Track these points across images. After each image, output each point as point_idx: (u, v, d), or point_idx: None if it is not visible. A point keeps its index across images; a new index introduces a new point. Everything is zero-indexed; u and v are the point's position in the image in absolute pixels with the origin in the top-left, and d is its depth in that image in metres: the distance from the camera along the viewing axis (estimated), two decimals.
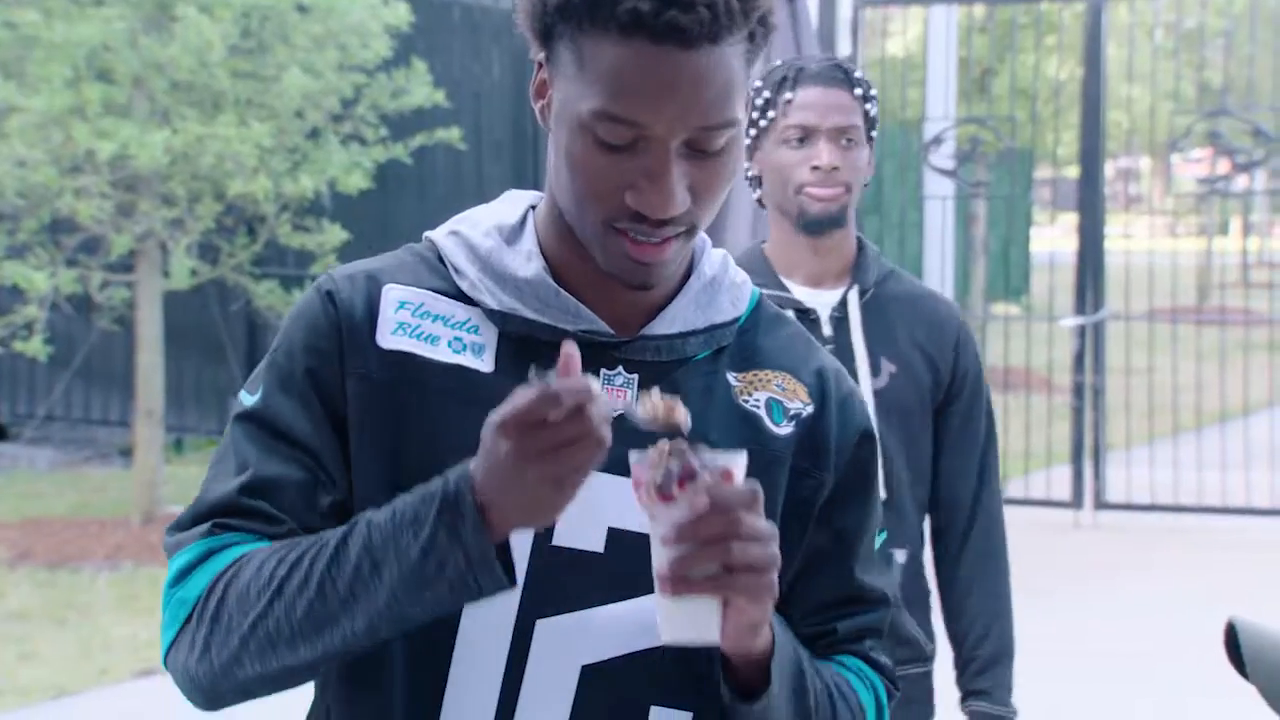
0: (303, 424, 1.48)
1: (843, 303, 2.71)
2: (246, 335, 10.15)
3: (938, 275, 9.90)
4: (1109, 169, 13.18)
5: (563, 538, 1.47)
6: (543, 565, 1.47)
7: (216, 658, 1.44)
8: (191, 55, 7.73)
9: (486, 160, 9.91)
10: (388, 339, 1.49)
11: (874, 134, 2.73)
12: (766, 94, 2.70)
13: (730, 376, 1.56)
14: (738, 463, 1.38)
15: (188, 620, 1.46)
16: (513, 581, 1.39)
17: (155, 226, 8.15)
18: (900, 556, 2.70)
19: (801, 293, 2.70)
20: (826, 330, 2.68)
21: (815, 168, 2.64)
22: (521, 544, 1.46)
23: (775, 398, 1.56)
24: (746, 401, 1.55)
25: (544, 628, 1.48)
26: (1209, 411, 10.63)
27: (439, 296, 1.52)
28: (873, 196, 10.69)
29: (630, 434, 1.39)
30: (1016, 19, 11.86)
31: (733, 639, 1.40)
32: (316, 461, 1.48)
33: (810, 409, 1.57)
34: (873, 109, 2.71)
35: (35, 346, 7.95)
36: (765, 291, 2.61)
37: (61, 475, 10.06)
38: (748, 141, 2.71)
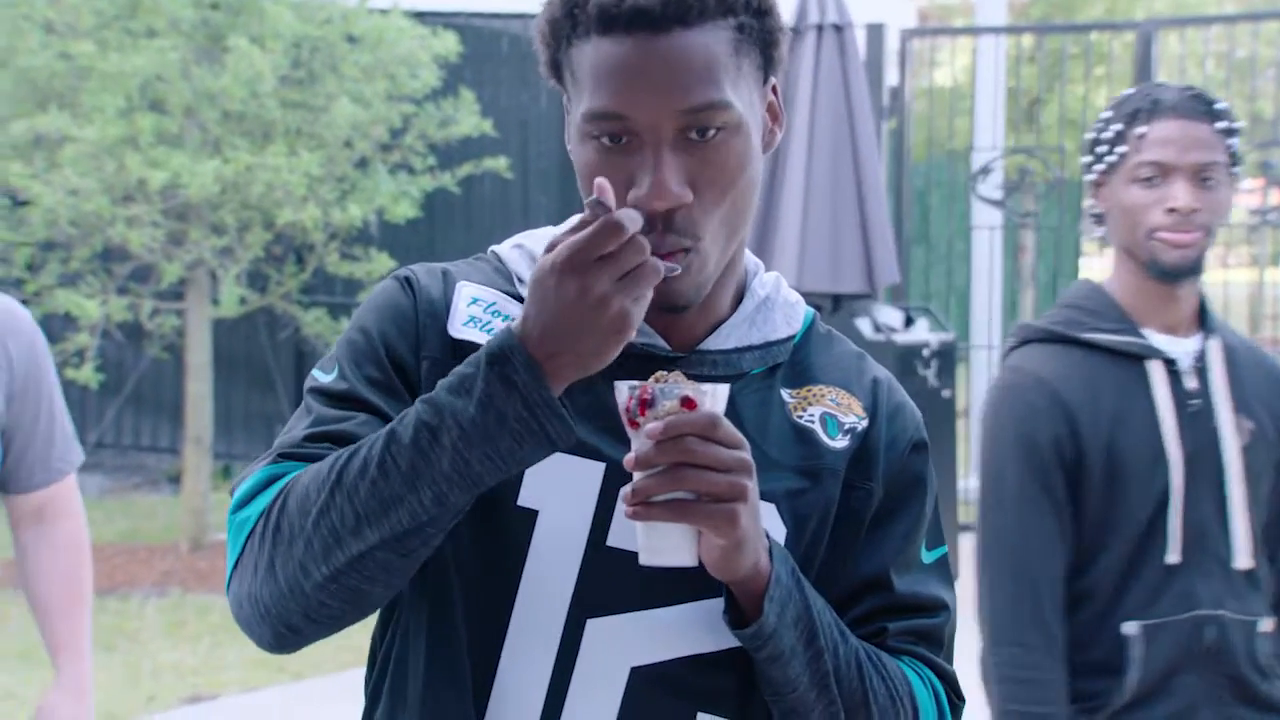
0: (374, 394, 1.50)
1: (1202, 353, 2.53)
2: (294, 363, 10.20)
3: (985, 306, 9.85)
4: None
5: (616, 538, 1.48)
6: (595, 565, 1.48)
7: (282, 571, 1.42)
8: (242, 86, 7.79)
9: (533, 189, 9.94)
10: (459, 329, 1.53)
11: (1236, 171, 2.52)
12: (1117, 126, 2.53)
13: (784, 393, 1.57)
14: (705, 393, 1.37)
15: (248, 541, 1.46)
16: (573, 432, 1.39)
17: (205, 255, 8.21)
18: (1266, 625, 2.51)
19: (1159, 340, 2.52)
20: (1191, 383, 2.50)
21: (1171, 210, 2.45)
22: (576, 542, 1.48)
23: (830, 412, 1.58)
24: (801, 417, 1.56)
25: (594, 627, 1.48)
26: None
27: (510, 299, 1.56)
28: (919, 226, 10.67)
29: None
30: (1066, 49, 11.82)
31: (711, 564, 1.40)
32: (386, 422, 1.46)
33: (865, 422, 1.58)
34: (1235, 143, 2.51)
35: (86, 374, 8.01)
36: (1119, 338, 2.49)
37: (111, 502, 10.13)
38: (1092, 177, 2.58)
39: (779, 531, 1.51)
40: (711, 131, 1.43)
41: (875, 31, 8.96)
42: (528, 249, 1.59)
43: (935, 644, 1.61)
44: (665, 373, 1.39)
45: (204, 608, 7.37)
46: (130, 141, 7.80)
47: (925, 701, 1.56)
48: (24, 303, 8.48)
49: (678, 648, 1.48)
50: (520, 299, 1.54)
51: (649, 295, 1.35)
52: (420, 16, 8.85)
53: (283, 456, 1.48)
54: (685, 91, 1.42)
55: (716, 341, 1.55)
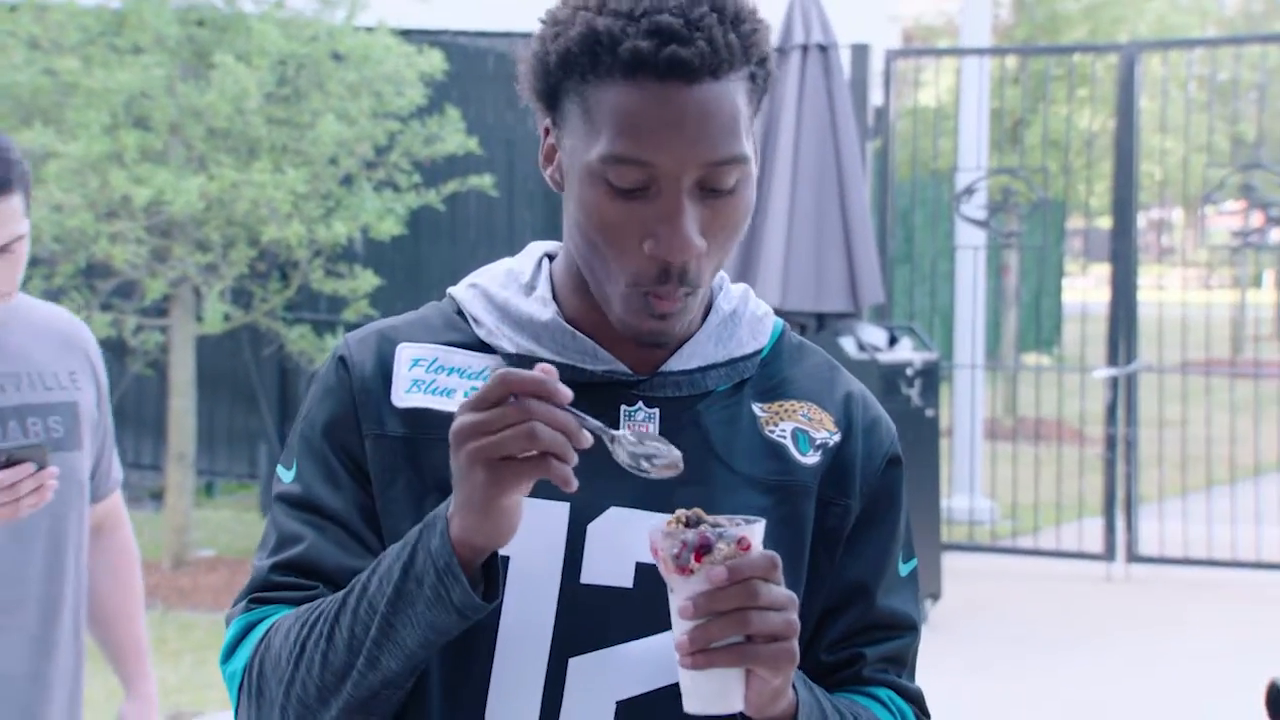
0: (329, 492, 1.52)
1: None
2: (278, 380, 10.18)
3: (968, 325, 9.87)
4: (1141, 220, 13.16)
5: (591, 575, 1.48)
6: (572, 603, 1.48)
7: None
8: (228, 103, 7.79)
9: (518, 207, 9.94)
10: (402, 397, 1.52)
11: None
12: None
13: (756, 407, 1.56)
14: (754, 531, 1.36)
15: (240, 697, 1.51)
16: (489, 598, 1.39)
17: (189, 271, 8.19)
18: None
19: None
20: None
21: None
22: (550, 584, 1.47)
23: (801, 428, 1.57)
24: (773, 432, 1.55)
25: (577, 665, 1.48)
26: (1243, 465, 10.56)
27: (453, 349, 1.55)
28: (903, 246, 10.69)
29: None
30: (1049, 70, 11.87)
31: (756, 707, 1.38)
32: (345, 527, 1.51)
33: (837, 437, 1.57)
34: None
35: None
36: None
37: None
38: None
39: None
40: (729, 185, 1.43)
41: (860, 52, 8.98)
42: (481, 287, 1.57)
43: (902, 665, 1.61)
44: (684, 511, 1.36)
45: (186, 625, 7.34)
46: (115, 158, 7.79)
47: None
48: None
49: (661, 678, 1.47)
50: (475, 344, 1.54)
51: (530, 462, 1.32)
52: (406, 34, 8.85)
53: (254, 601, 1.52)
54: (713, 145, 1.41)
55: (680, 362, 1.54)
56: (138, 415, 10.48)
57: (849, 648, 1.58)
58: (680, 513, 1.36)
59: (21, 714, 2.69)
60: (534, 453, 1.32)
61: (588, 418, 1.37)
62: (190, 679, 6.51)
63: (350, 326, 8.86)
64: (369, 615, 1.41)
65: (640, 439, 1.41)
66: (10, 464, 2.45)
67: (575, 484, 1.33)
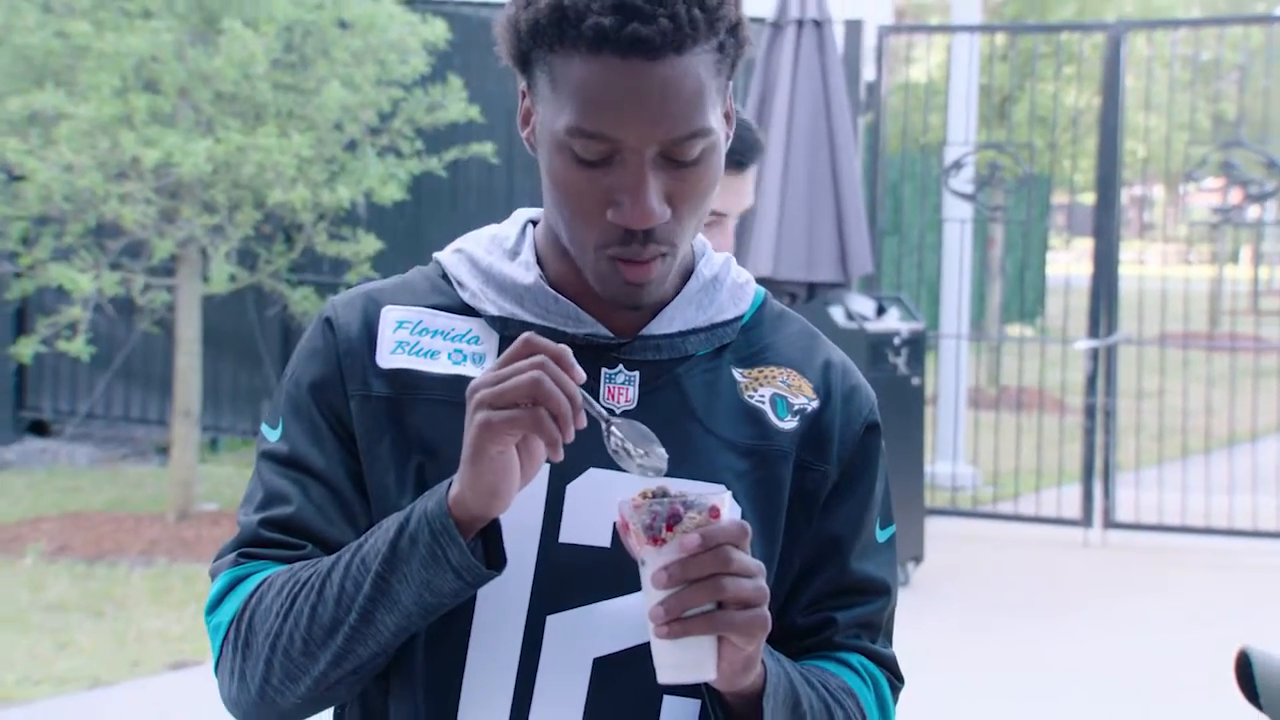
0: (315, 451, 1.51)
1: None
2: (281, 340, 10.17)
3: (954, 296, 9.87)
4: (1124, 196, 13.15)
5: (569, 534, 1.47)
6: (551, 562, 1.47)
7: (252, 683, 1.47)
8: (235, 68, 7.76)
9: (517, 174, 9.91)
10: (387, 358, 1.51)
11: None
12: None
13: (736, 373, 1.55)
14: (724, 500, 1.35)
15: (223, 649, 1.49)
16: (493, 563, 1.39)
17: (196, 233, 8.17)
18: None
19: None
20: None
21: None
22: (529, 542, 1.46)
23: (780, 393, 1.55)
24: (752, 397, 1.54)
25: (555, 622, 1.47)
26: (1218, 436, 10.58)
27: (438, 312, 1.54)
28: (892, 218, 10.67)
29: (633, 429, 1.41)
30: (1037, 48, 11.84)
31: (727, 677, 1.37)
32: (330, 485, 1.51)
33: (815, 403, 1.56)
34: None
35: (78, 347, 7.98)
36: None
37: (100, 471, 10.09)
38: None
39: (735, 510, 1.49)
40: (693, 156, 1.42)
41: (853, 28, 8.95)
42: (466, 252, 1.57)
43: (876, 630, 1.59)
44: (649, 487, 1.35)
45: (189, 576, 7.35)
46: (125, 120, 7.76)
47: (869, 703, 1.56)
48: (17, 276, 8.47)
49: (636, 636, 1.45)
50: (459, 308, 1.54)
51: (522, 414, 1.33)
52: (410, 3, 8.81)
53: (243, 555, 1.51)
54: (675, 121, 1.40)
55: (660, 326, 1.53)
56: (145, 372, 10.47)
57: (822, 610, 1.56)
58: (646, 488, 1.35)
59: None
60: (534, 406, 1.32)
61: (594, 401, 1.38)
62: (193, 628, 6.52)
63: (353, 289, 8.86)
64: (361, 572, 1.41)
65: (634, 435, 1.40)
66: None
67: (561, 454, 1.33)
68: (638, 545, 1.35)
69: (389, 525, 1.41)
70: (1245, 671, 1.33)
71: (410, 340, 1.52)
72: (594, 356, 1.49)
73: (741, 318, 1.57)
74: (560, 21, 1.39)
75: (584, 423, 1.34)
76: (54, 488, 9.46)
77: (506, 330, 1.51)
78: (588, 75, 1.39)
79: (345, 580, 1.42)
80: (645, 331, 1.52)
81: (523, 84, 1.49)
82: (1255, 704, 1.33)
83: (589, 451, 1.45)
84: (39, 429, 10.99)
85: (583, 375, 1.35)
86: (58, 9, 8.07)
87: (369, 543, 1.42)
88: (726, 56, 1.44)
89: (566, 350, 1.34)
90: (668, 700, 1.49)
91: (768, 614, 1.35)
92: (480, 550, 1.39)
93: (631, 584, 1.43)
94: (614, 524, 1.43)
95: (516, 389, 1.32)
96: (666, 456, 1.40)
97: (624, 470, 1.42)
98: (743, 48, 1.46)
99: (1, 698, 5.79)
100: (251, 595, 1.48)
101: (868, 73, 9.46)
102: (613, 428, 1.40)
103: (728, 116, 1.50)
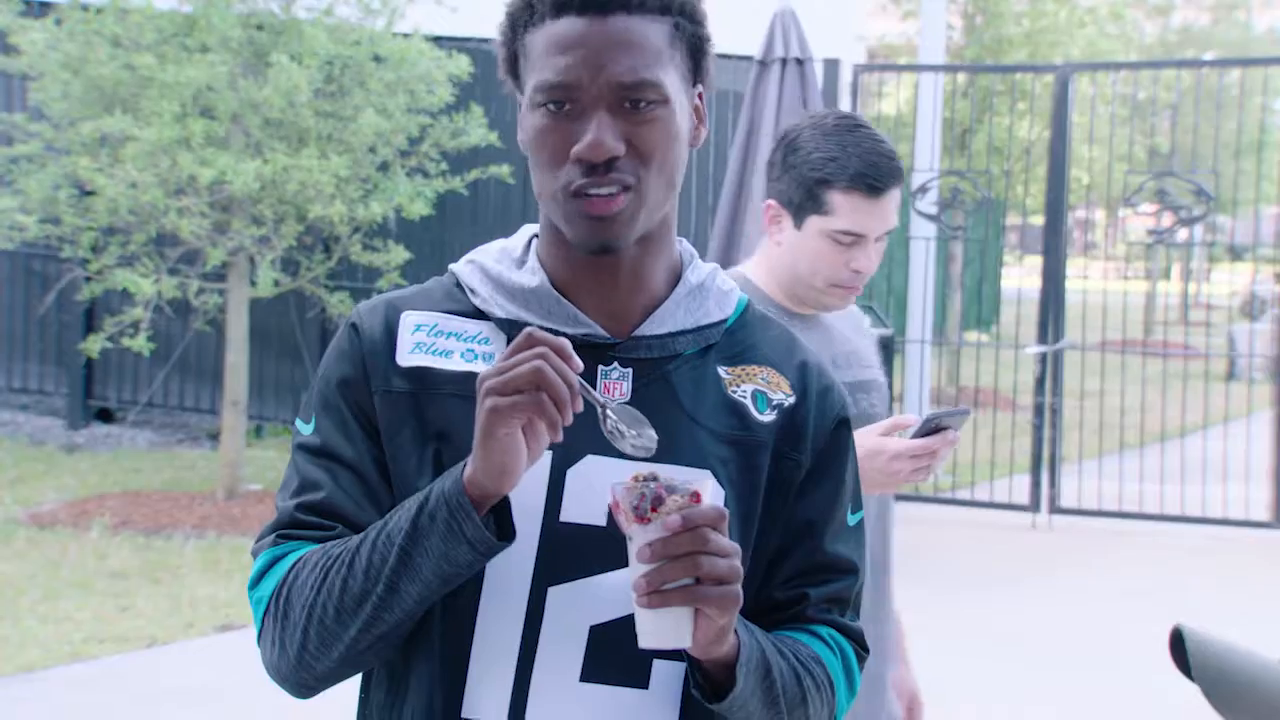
0: (344, 442, 1.51)
1: None
2: (320, 339, 10.16)
3: (919, 306, 9.85)
4: (1070, 219, 13.15)
5: (569, 514, 1.46)
6: (552, 539, 1.46)
7: (290, 650, 1.46)
8: (282, 96, 7.75)
9: (530, 194, 9.83)
10: (406, 358, 1.51)
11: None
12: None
13: (721, 370, 1.54)
14: (705, 486, 1.35)
15: (264, 620, 1.49)
16: (504, 536, 1.39)
17: (245, 243, 8.16)
18: None
19: None
20: None
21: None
22: (533, 521, 1.46)
23: (760, 389, 1.55)
24: (735, 392, 1.54)
25: (555, 594, 1.46)
26: (1151, 431, 10.57)
27: (452, 316, 1.53)
28: None
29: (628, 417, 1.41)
30: (994, 86, 11.83)
31: (702, 645, 1.37)
32: (358, 473, 1.50)
33: (792, 399, 1.55)
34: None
35: (140, 343, 7.97)
36: None
37: (158, 454, 10.08)
38: None
39: (718, 494, 1.48)
40: (644, 104, 1.43)
41: (831, 66, 8.93)
42: (477, 262, 1.57)
43: (845, 605, 1.59)
44: (641, 472, 1.36)
45: (236, 548, 7.34)
46: (183, 142, 7.75)
47: (836, 671, 1.55)
48: (87, 279, 8.46)
49: (630, 606, 1.44)
50: (471, 313, 1.54)
51: (529, 398, 1.32)
52: (437, 40, 8.80)
53: (281, 536, 1.50)
54: (623, 68, 1.42)
55: (652, 327, 1.52)
56: (198, 366, 10.46)
57: (797, 586, 1.55)
58: (639, 472, 1.35)
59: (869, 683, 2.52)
60: (537, 391, 1.32)
61: (591, 389, 1.37)
62: (239, 595, 6.51)
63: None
64: (386, 547, 1.40)
65: (627, 418, 1.40)
66: (936, 430, 2.32)
67: (560, 435, 1.33)
68: (626, 523, 1.35)
69: (410, 505, 1.41)
70: (1179, 647, 1.32)
71: (427, 341, 1.51)
72: (591, 354, 1.48)
73: (726, 321, 1.57)
74: (528, 5, 1.46)
75: (581, 406, 1.34)
76: (117, 468, 9.45)
77: (513, 331, 1.50)
78: (551, 35, 1.44)
79: (373, 555, 1.41)
80: (638, 332, 1.52)
81: (519, 96, 1.50)
82: (1187, 675, 1.32)
83: (588, 439, 1.44)
84: (105, 416, 10.98)
85: (580, 365, 1.34)
86: (126, 44, 8.06)
87: (393, 521, 1.41)
88: (681, 36, 1.47)
89: (565, 343, 1.34)
90: (657, 665, 1.48)
91: (740, 590, 1.34)
92: (492, 524, 1.39)
93: (625, 560, 1.42)
94: (609, 506, 1.43)
95: (521, 376, 1.31)
96: (656, 438, 1.40)
97: (620, 451, 1.41)
98: (702, 38, 1.49)
99: (70, 654, 5.79)
100: (289, 572, 1.47)
101: (844, 106, 9.45)
102: (608, 411, 1.40)
103: (697, 112, 1.52)
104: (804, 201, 2.42)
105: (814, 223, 2.41)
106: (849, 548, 1.59)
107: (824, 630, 1.56)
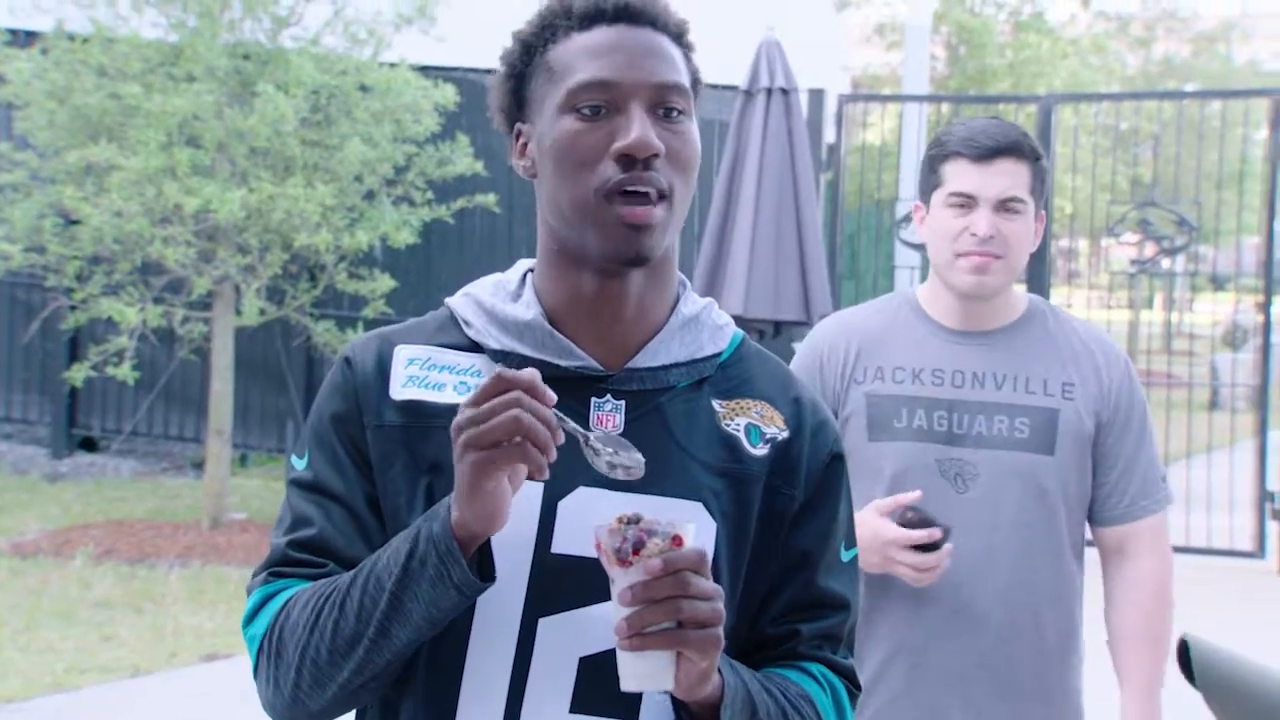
0: (335, 477, 1.51)
1: None
2: (305, 367, 10.14)
3: None
4: (1053, 248, 13.22)
5: (560, 545, 1.46)
6: (543, 569, 1.46)
7: (285, 688, 1.46)
8: (268, 126, 7.75)
9: (517, 223, 9.91)
10: (399, 391, 1.51)
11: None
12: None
13: (715, 403, 1.54)
14: (687, 530, 1.34)
15: (259, 659, 1.49)
16: (485, 578, 1.39)
17: (231, 271, 8.15)
18: None
19: None
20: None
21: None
22: (524, 552, 1.45)
23: (754, 423, 1.54)
24: (728, 426, 1.53)
25: (546, 625, 1.46)
26: None
27: (445, 349, 1.54)
28: (850, 264, 10.70)
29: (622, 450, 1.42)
30: (977, 116, 11.88)
31: (685, 687, 1.36)
32: (349, 508, 1.50)
33: (785, 434, 1.55)
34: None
35: (124, 371, 7.95)
36: None
37: (142, 483, 10.04)
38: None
39: (710, 526, 1.48)
40: (676, 113, 1.46)
41: (816, 96, 8.98)
42: (472, 295, 1.57)
43: (838, 641, 1.58)
44: (626, 513, 1.35)
45: (221, 577, 7.30)
46: (169, 171, 7.75)
47: (826, 708, 1.53)
48: (71, 308, 8.45)
49: None
50: (465, 345, 1.53)
51: (508, 449, 1.32)
52: (423, 70, 8.82)
53: (274, 574, 1.51)
54: (658, 69, 1.45)
55: (645, 359, 1.52)
56: (183, 395, 10.43)
57: (789, 622, 1.55)
58: (623, 514, 1.35)
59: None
60: (517, 440, 1.31)
61: (567, 419, 1.37)
62: (223, 625, 6.48)
63: (369, 323, 8.85)
64: (378, 591, 1.40)
65: (611, 445, 1.40)
66: (922, 524, 2.36)
67: (547, 473, 1.33)
68: (608, 565, 1.34)
69: (399, 546, 1.40)
70: (1185, 656, 1.36)
71: (420, 375, 1.51)
72: (584, 387, 1.48)
73: (719, 355, 1.57)
74: (551, 22, 1.48)
75: (562, 439, 1.34)
76: (101, 497, 9.40)
77: (506, 363, 1.50)
78: (585, 42, 1.46)
79: (364, 598, 1.41)
80: (631, 364, 1.51)
81: (516, 128, 1.52)
82: (1192, 684, 1.36)
83: (578, 472, 1.44)
84: (88, 445, 10.94)
85: (553, 397, 1.33)
86: (112, 73, 8.06)
87: (381, 563, 1.41)
88: (687, 64, 1.50)
89: (535, 375, 1.33)
90: (646, 696, 1.48)
91: (721, 634, 1.34)
92: (475, 566, 1.39)
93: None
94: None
95: (499, 428, 1.31)
96: (642, 459, 1.40)
97: (611, 483, 1.41)
98: (698, 70, 1.52)
99: (52, 684, 5.75)
100: (281, 610, 1.47)
101: (828, 136, 9.49)
102: (591, 440, 1.40)
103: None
104: (927, 181, 2.54)
105: (935, 199, 2.52)
106: (842, 584, 1.58)
107: (815, 668, 1.55)
